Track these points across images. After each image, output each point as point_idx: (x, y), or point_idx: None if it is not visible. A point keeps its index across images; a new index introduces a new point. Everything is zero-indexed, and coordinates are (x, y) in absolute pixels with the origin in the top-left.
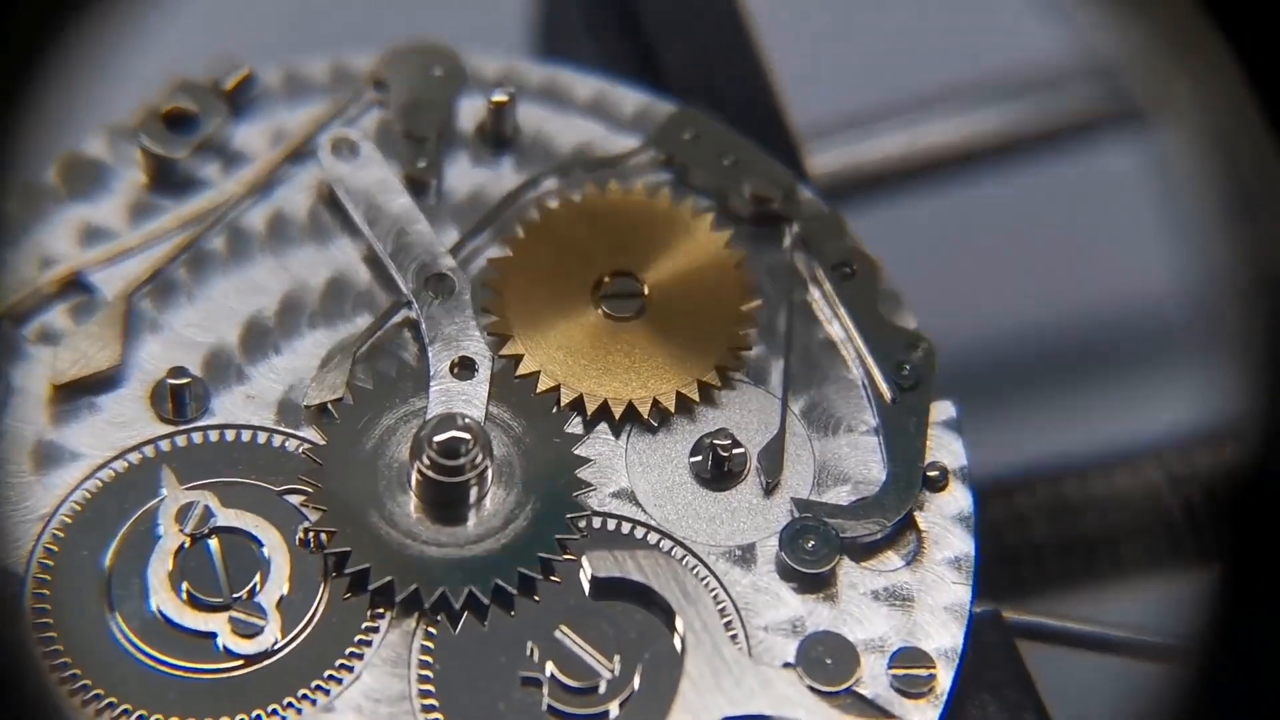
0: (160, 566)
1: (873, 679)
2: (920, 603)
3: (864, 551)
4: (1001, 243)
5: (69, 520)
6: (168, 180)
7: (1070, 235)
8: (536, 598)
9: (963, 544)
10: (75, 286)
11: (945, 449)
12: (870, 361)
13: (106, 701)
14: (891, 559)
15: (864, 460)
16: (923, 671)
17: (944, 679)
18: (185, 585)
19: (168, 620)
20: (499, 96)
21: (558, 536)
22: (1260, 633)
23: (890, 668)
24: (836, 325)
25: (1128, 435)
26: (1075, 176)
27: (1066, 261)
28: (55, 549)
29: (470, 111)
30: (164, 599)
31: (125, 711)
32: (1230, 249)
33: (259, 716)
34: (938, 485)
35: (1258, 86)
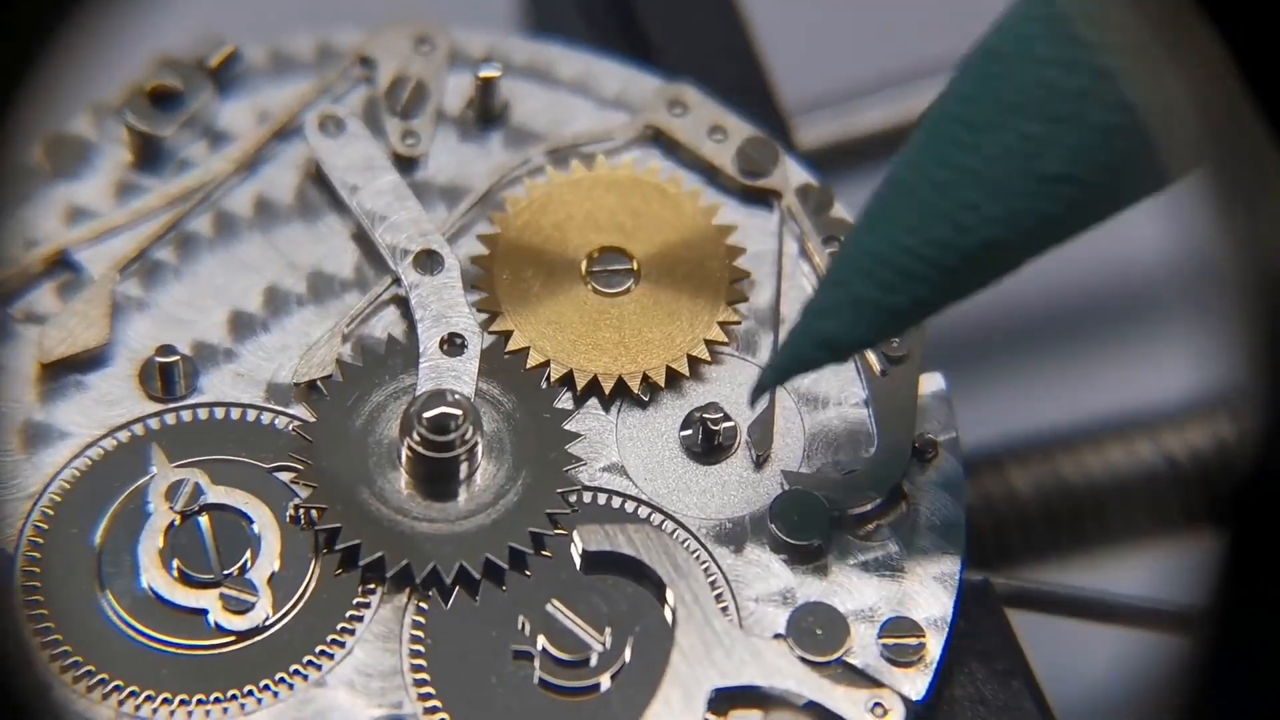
0: (151, 544)
1: (863, 649)
2: (910, 572)
3: (854, 522)
4: None
5: (58, 499)
6: (153, 158)
7: None
8: (528, 572)
9: (952, 514)
10: (61, 265)
11: (934, 420)
12: None
13: (98, 679)
14: (881, 530)
15: (854, 432)
16: (912, 640)
17: (933, 648)
18: (176, 562)
19: (159, 597)
20: (487, 72)
21: (548, 511)
22: (1257, 635)
23: (880, 637)
24: None
25: (1119, 407)
26: None
27: None
28: (45, 527)
29: (457, 88)
30: (155, 576)
31: (117, 688)
32: (1222, 235)
33: (251, 692)
34: (927, 456)
35: (1250, 76)
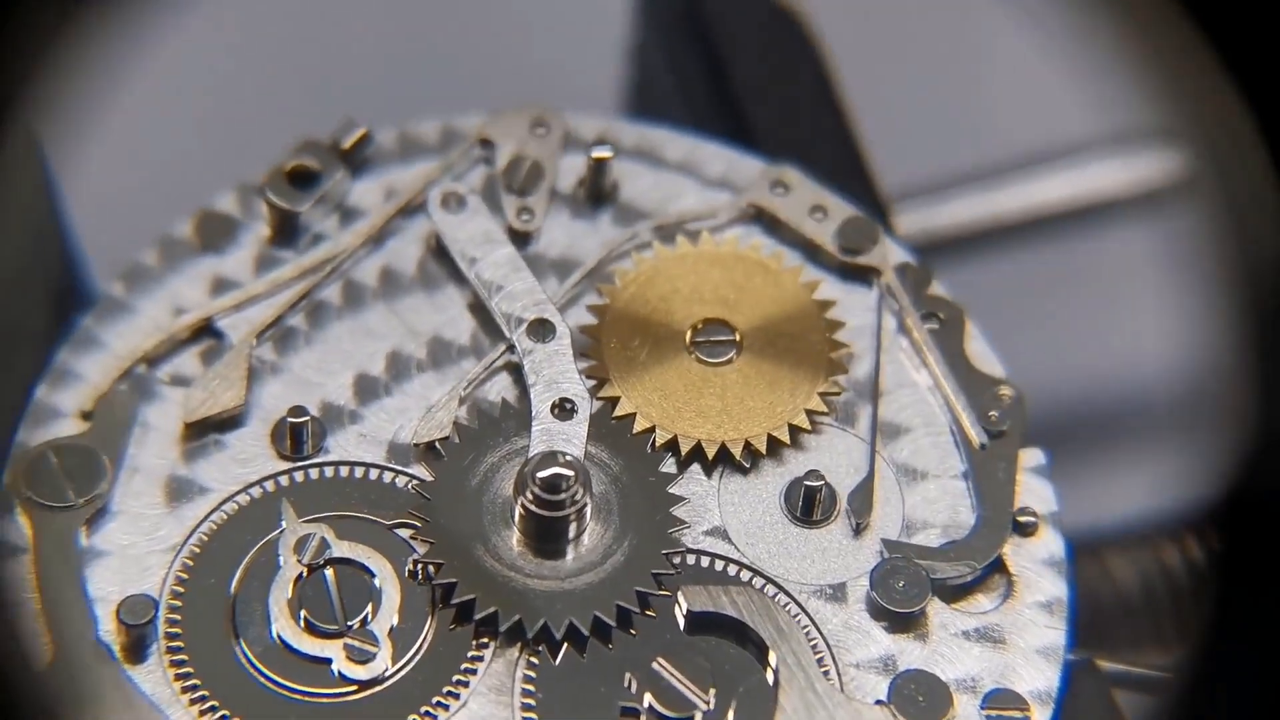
0: (280, 595)
1: (964, 719)
2: (1012, 645)
3: (954, 593)
4: (1079, 302)
5: (198, 550)
6: (290, 232)
7: (1158, 292)
8: (633, 631)
9: (1054, 588)
10: (206, 332)
11: (1035, 495)
12: (959, 407)
13: None
14: (982, 601)
15: (953, 504)
16: (1017, 714)
17: None
18: (303, 613)
19: (287, 646)
20: (600, 153)
21: (654, 571)
22: (1248, 640)
23: (984, 708)
24: (925, 372)
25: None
26: (1156, 237)
27: (1152, 318)
28: (185, 577)
29: (570, 168)
30: (284, 626)
31: None
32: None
33: None
34: (1028, 530)
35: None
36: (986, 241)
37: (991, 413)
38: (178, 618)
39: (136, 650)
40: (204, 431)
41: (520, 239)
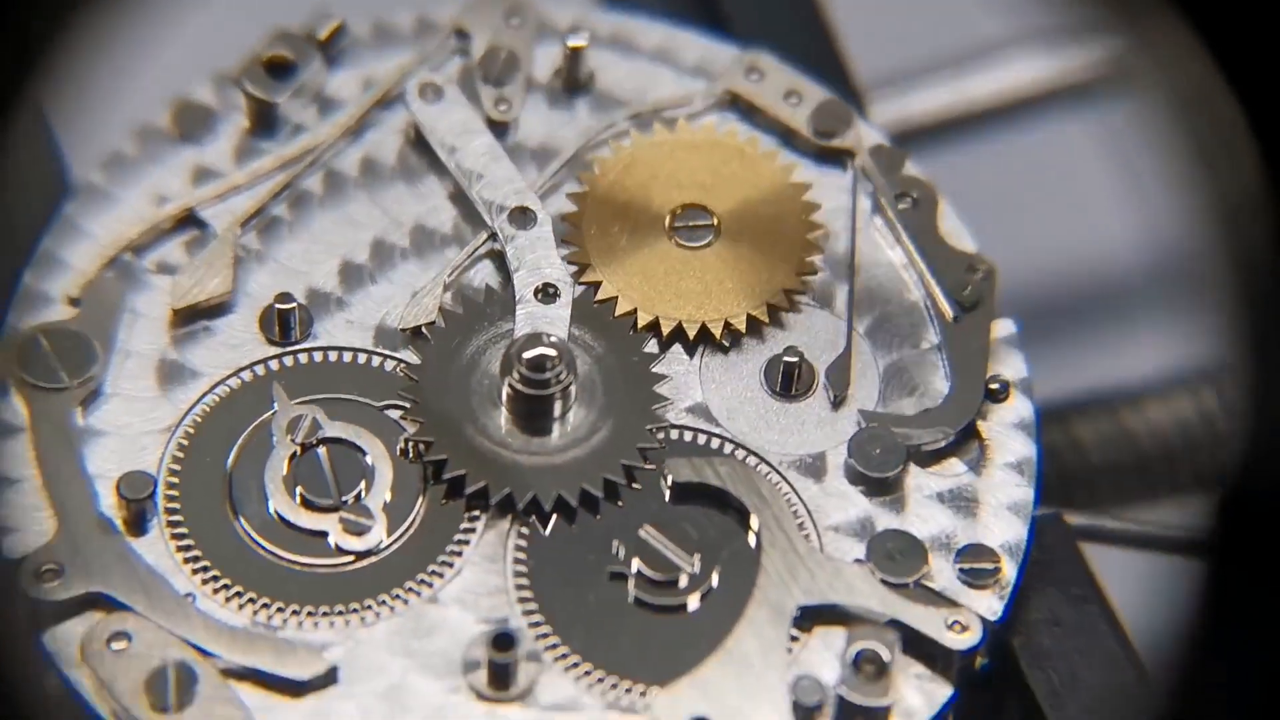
0: (276, 472)
1: (939, 573)
2: (984, 503)
3: (929, 458)
4: (1049, 187)
5: (192, 431)
6: (269, 123)
7: (1110, 180)
8: (620, 503)
9: (1024, 449)
10: (189, 222)
11: (1006, 363)
12: (932, 283)
13: (235, 590)
14: (956, 465)
15: (927, 376)
16: (988, 565)
17: (1009, 571)
18: (299, 489)
19: (284, 520)
20: (575, 42)
21: (639, 445)
22: (1244, 639)
23: (957, 561)
24: (899, 250)
25: (1181, 364)
26: (1121, 120)
27: (1108, 205)
28: (182, 456)
29: (546, 58)
30: (280, 501)
31: (252, 599)
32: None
33: (370, 606)
34: (1000, 396)
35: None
36: (962, 128)
37: (964, 286)
38: (176, 494)
39: (137, 523)
40: (192, 318)
41: (498, 129)
